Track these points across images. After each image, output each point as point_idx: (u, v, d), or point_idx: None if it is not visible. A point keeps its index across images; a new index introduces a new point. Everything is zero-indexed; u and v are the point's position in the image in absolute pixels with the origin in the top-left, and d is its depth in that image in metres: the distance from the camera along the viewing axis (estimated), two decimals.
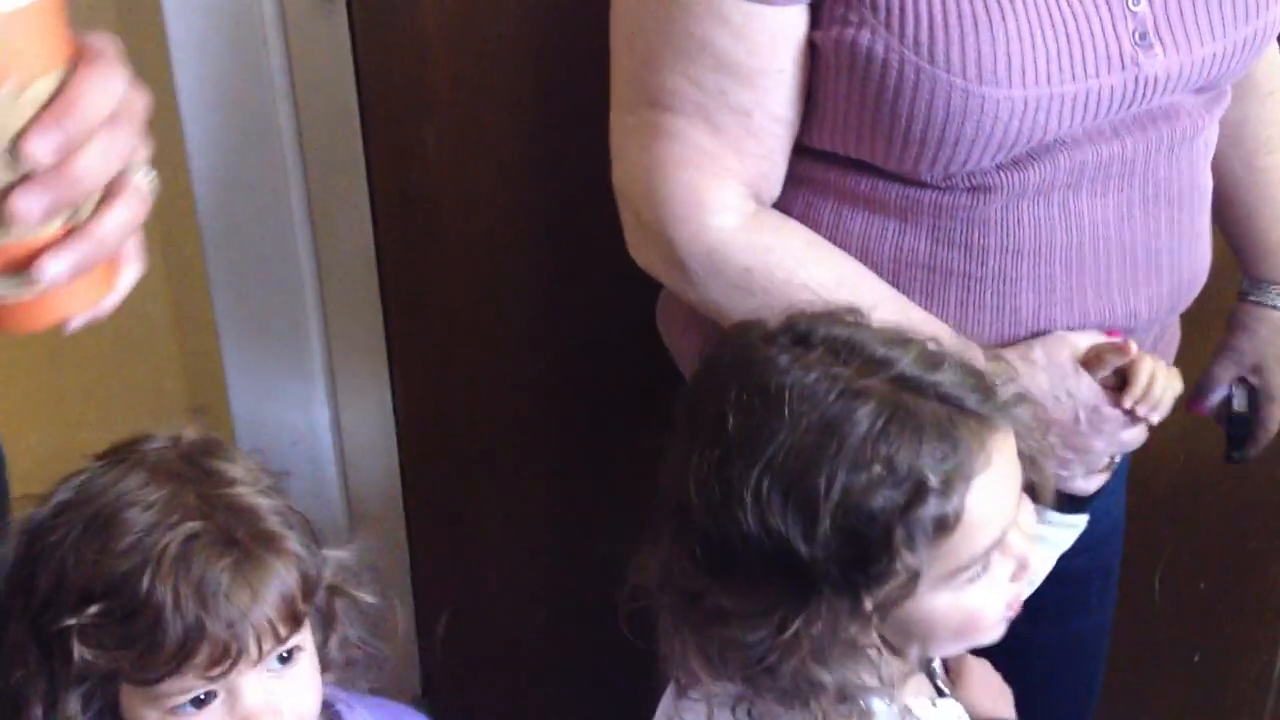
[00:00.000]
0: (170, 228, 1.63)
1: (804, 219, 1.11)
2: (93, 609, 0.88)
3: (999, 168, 1.06)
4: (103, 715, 0.93)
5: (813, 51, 1.05)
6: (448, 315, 1.65)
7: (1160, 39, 1.06)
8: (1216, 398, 1.39)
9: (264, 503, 0.94)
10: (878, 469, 0.86)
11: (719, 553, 0.89)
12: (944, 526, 0.88)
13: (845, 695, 0.90)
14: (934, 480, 0.87)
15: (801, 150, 1.10)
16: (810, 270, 1.07)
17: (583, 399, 1.67)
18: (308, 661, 0.97)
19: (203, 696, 0.92)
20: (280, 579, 0.92)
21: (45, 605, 0.90)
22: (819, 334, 0.91)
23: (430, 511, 1.77)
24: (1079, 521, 1.13)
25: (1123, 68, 1.05)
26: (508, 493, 1.75)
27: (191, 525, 0.90)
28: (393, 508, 1.76)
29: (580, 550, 1.77)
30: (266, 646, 0.92)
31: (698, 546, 0.90)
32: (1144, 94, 1.07)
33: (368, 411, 1.71)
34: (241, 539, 0.91)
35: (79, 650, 0.89)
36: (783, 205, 1.12)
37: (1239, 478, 1.77)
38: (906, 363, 0.89)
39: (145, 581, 0.88)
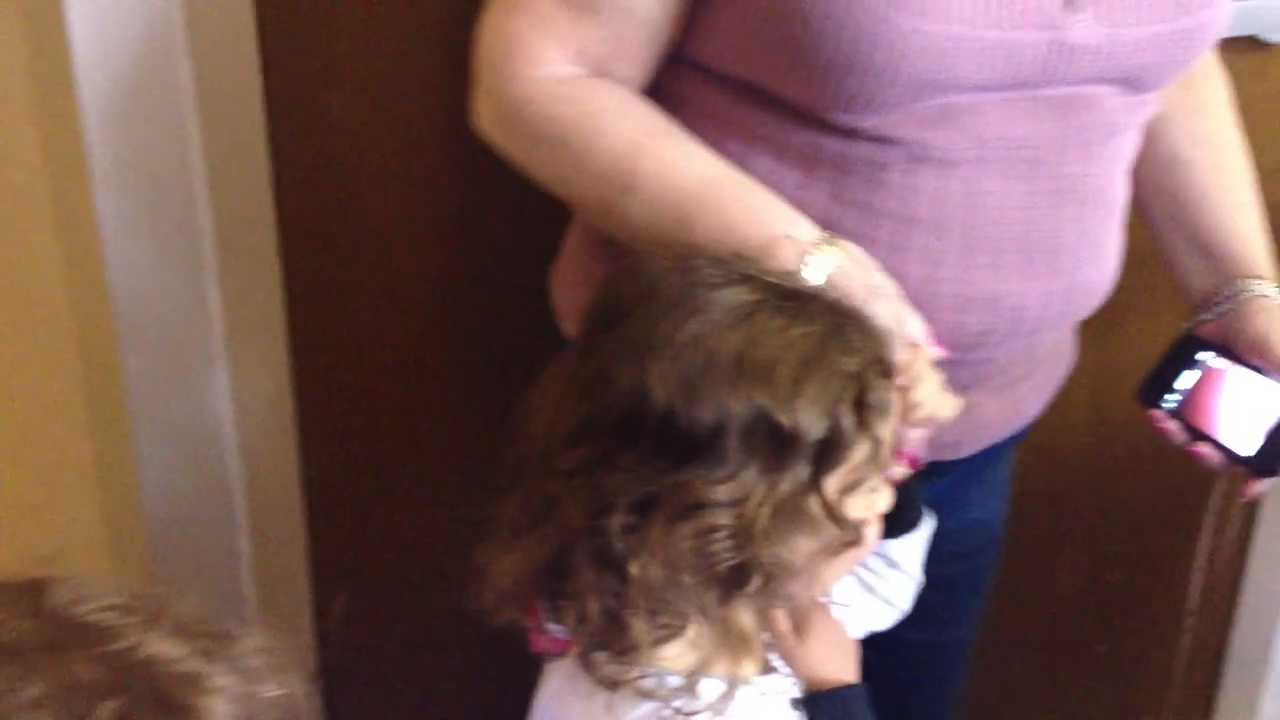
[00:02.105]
0: (62, 189, 1.58)
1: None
2: None
3: (904, 123, 1.03)
4: None
5: None
6: (352, 292, 1.61)
7: (1088, 6, 1.04)
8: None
9: (166, 645, 0.78)
10: (850, 341, 0.92)
11: (688, 439, 0.89)
12: (886, 409, 0.93)
13: (789, 576, 0.92)
14: (888, 360, 0.94)
15: (709, 80, 1.07)
16: (622, 123, 1.04)
17: (491, 379, 1.64)
18: None
19: None
20: (229, 712, 0.77)
21: None
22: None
23: (329, 492, 1.74)
24: (920, 534, 1.13)
25: (1045, 27, 1.02)
26: (410, 473, 1.73)
27: (109, 705, 0.74)
28: (289, 487, 1.73)
29: (483, 534, 1.75)
30: None
31: (659, 440, 0.89)
32: (1062, 64, 1.04)
33: (266, 388, 1.67)
34: (173, 694, 0.76)
35: None
36: None
37: (1143, 473, 1.78)
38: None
39: None
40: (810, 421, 0.89)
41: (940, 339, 1.07)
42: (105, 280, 1.57)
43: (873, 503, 0.97)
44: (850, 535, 0.93)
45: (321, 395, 1.68)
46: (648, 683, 0.93)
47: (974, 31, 1.00)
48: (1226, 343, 1.25)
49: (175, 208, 1.55)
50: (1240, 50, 1.54)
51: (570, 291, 1.23)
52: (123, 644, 0.75)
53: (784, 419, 0.89)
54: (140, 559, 1.70)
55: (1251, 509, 1.80)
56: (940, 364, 1.10)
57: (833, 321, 0.93)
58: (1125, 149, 1.15)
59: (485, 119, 1.10)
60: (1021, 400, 1.24)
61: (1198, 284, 1.28)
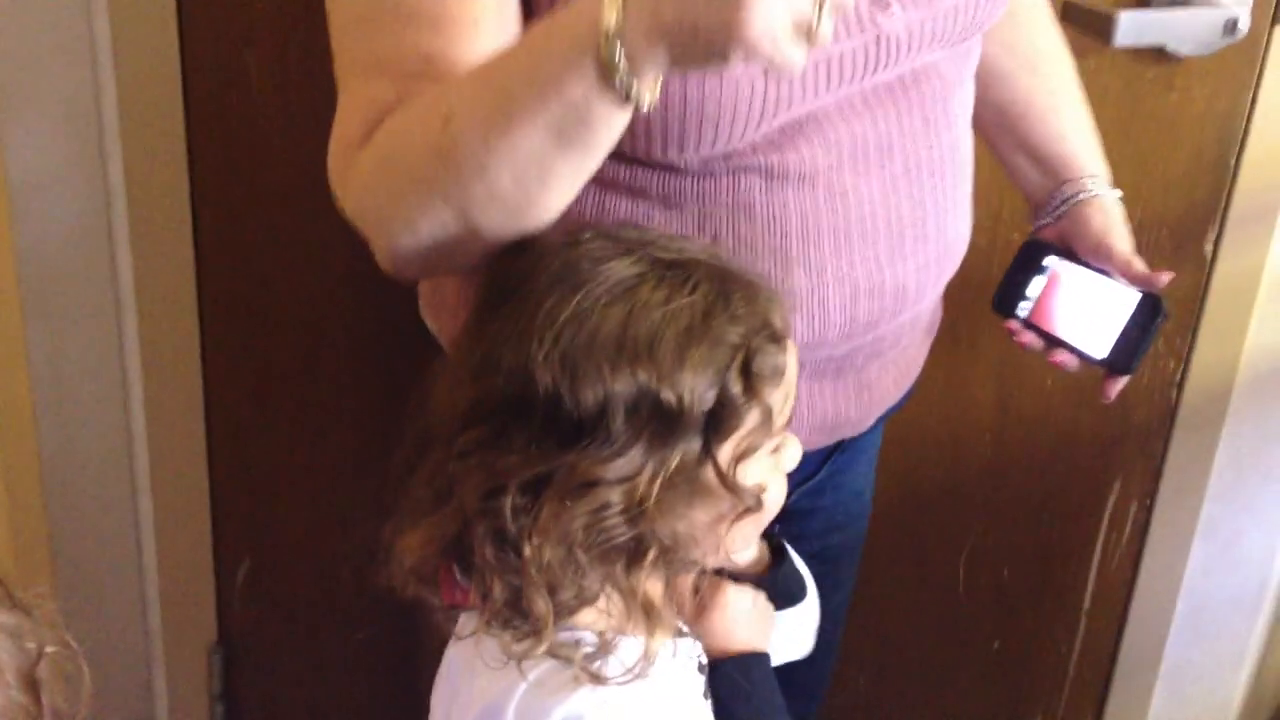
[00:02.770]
0: None
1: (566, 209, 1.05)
2: None
3: (756, 149, 1.04)
4: None
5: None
6: (263, 253, 1.60)
7: None
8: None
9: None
10: (735, 309, 0.92)
11: (574, 421, 0.89)
12: (779, 373, 0.93)
13: (685, 546, 0.92)
14: (776, 325, 0.94)
15: None
16: (413, 108, 0.97)
17: (392, 354, 1.63)
18: None
19: None
20: (14, 664, 0.77)
21: None
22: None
23: (233, 458, 1.72)
24: (809, 603, 1.13)
25: (862, 30, 1.03)
26: (313, 442, 1.72)
27: None
28: (195, 453, 1.71)
29: (385, 503, 1.74)
30: None
31: (546, 423, 0.89)
32: (888, 55, 1.05)
33: (174, 351, 1.65)
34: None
35: None
36: None
37: (1045, 469, 1.81)
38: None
39: None
40: (696, 394, 0.90)
41: (836, 332, 1.09)
42: (11, 239, 1.55)
43: (776, 463, 0.97)
44: (748, 502, 0.94)
45: (228, 360, 1.66)
46: (562, 641, 0.93)
47: None
48: (1068, 246, 1.28)
49: (87, 165, 1.53)
50: (1147, 62, 1.57)
51: (439, 317, 1.24)
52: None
53: (668, 394, 0.89)
54: (39, 522, 1.68)
55: (1148, 509, 1.83)
56: (838, 347, 1.12)
57: (716, 289, 0.93)
58: (965, 103, 1.17)
59: (379, 254, 1.03)
60: (911, 363, 1.26)
61: (1035, 190, 1.32)
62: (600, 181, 1.04)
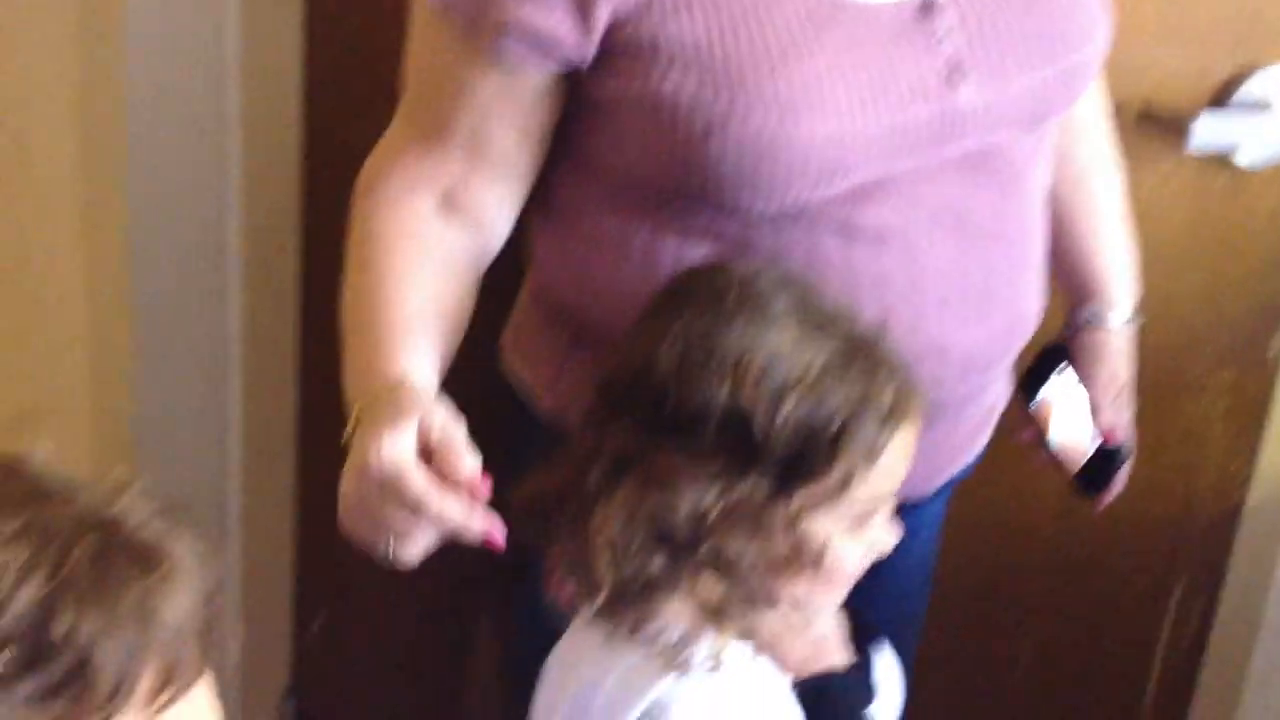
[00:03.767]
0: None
1: (644, 248, 1.13)
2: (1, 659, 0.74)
3: (831, 205, 1.08)
4: None
5: (609, 105, 1.09)
6: None
7: (971, 72, 1.09)
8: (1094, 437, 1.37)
9: (135, 507, 0.82)
10: (849, 375, 0.97)
11: (673, 417, 0.97)
12: (874, 451, 0.98)
13: (743, 573, 0.98)
14: (880, 402, 0.98)
15: (629, 187, 1.13)
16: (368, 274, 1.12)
17: (485, 408, 1.67)
18: (208, 678, 0.84)
19: None
20: (198, 582, 0.81)
21: None
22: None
23: (319, 510, 1.77)
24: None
25: (932, 100, 1.08)
26: None
27: (87, 541, 0.78)
28: (282, 503, 1.77)
29: (462, 563, 1.78)
30: (200, 662, 0.80)
31: (651, 411, 0.97)
32: (959, 128, 1.10)
33: (270, 406, 1.71)
34: (147, 546, 0.79)
35: (3, 713, 0.75)
36: (601, 235, 1.15)
37: (1108, 555, 1.80)
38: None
39: (62, 614, 0.75)
40: (781, 436, 0.95)
41: None
42: (130, 254, 1.62)
43: (858, 536, 1.01)
44: (807, 555, 0.99)
45: (325, 418, 1.71)
46: (652, 632, 1.00)
47: (868, 120, 1.06)
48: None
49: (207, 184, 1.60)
50: (1216, 169, 1.60)
51: (534, 367, 1.28)
52: (92, 500, 0.80)
53: (757, 426, 0.95)
54: None
55: (1211, 606, 1.84)
56: None
57: (845, 352, 0.99)
58: (1038, 181, 1.21)
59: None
60: (976, 431, 1.29)
61: (1067, 299, 1.38)
62: (676, 227, 1.11)
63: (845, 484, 0.98)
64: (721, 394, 0.95)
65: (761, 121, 1.04)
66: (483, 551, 1.68)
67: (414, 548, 1.02)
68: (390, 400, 1.02)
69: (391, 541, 1.02)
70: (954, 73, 1.09)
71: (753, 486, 0.96)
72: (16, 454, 0.83)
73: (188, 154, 1.57)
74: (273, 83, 1.57)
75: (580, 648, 1.06)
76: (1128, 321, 1.38)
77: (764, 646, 1.06)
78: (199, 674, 0.81)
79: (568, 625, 1.12)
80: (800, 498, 0.97)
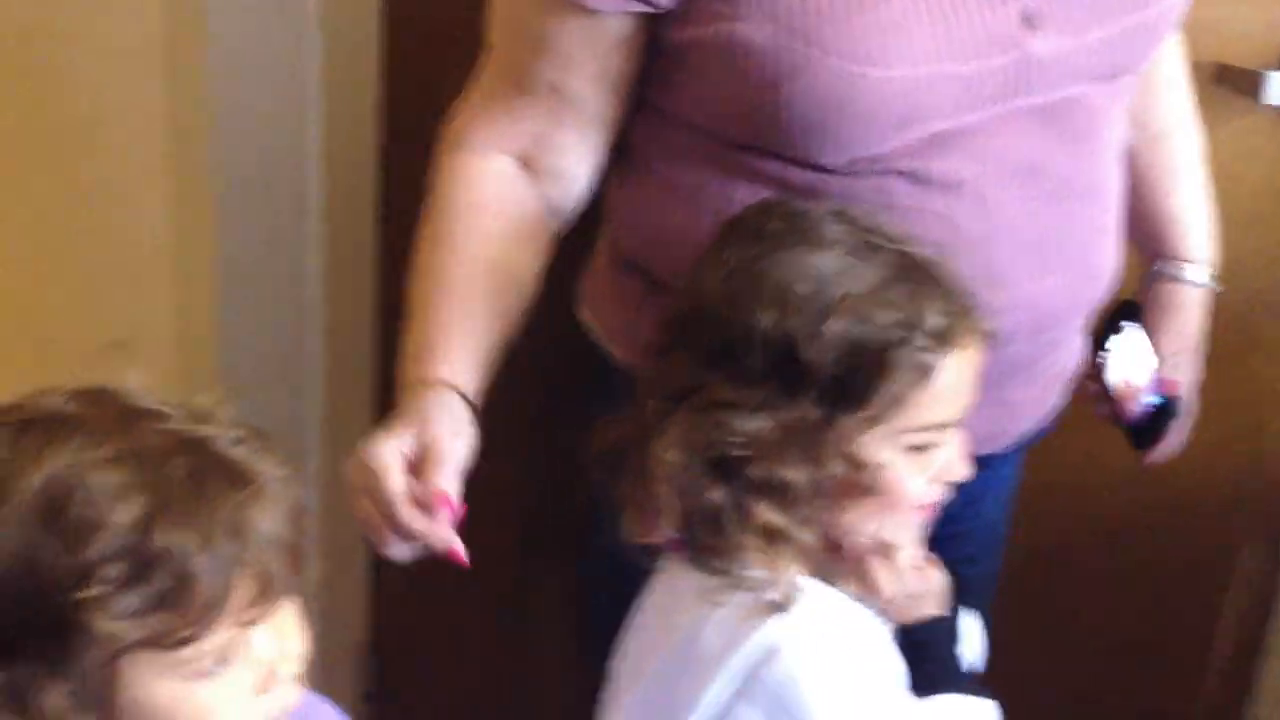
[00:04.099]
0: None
1: (716, 198, 1.14)
2: (101, 575, 0.78)
3: (903, 155, 1.09)
4: (90, 710, 0.81)
5: (686, 51, 1.10)
6: None
7: (1046, 22, 1.09)
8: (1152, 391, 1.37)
9: (220, 430, 0.86)
10: (895, 295, 0.97)
11: (722, 346, 0.98)
12: (924, 372, 0.98)
13: (800, 497, 0.98)
14: (931, 323, 0.98)
15: (690, 130, 1.15)
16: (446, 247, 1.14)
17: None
18: (292, 599, 0.88)
19: (229, 653, 0.83)
20: (286, 499, 0.85)
21: (9, 598, 0.79)
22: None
23: None
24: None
25: (1007, 50, 1.08)
26: (471, 500, 1.78)
27: (180, 462, 0.82)
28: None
29: (540, 518, 1.81)
30: (288, 576, 0.84)
31: (702, 341, 0.99)
32: (1033, 78, 1.10)
33: (351, 396, 1.75)
34: (237, 465, 0.83)
35: (101, 626, 0.78)
36: (675, 184, 1.16)
37: (1176, 528, 1.80)
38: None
39: (159, 530, 0.79)
40: (826, 358, 0.96)
41: None
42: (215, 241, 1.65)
43: (920, 462, 1.02)
44: (864, 477, 0.99)
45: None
46: (751, 576, 1.00)
47: (942, 68, 1.07)
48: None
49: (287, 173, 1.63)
50: None
51: (609, 316, 1.30)
52: (182, 424, 0.84)
53: (803, 349, 0.96)
54: None
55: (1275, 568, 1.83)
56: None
57: (894, 273, 0.99)
58: (1113, 136, 1.21)
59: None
60: (1049, 388, 1.29)
61: (1143, 256, 1.37)
62: (748, 175, 1.12)
63: (896, 406, 0.98)
64: (766, 318, 0.96)
65: (835, 70, 1.05)
66: (560, 503, 1.72)
67: (393, 549, 1.06)
68: (409, 400, 1.08)
69: (372, 537, 1.05)
70: (1029, 22, 1.09)
71: (802, 411, 0.97)
72: (107, 383, 0.86)
73: (271, 89, 1.60)
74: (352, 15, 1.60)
75: (671, 598, 1.07)
76: (1202, 282, 1.37)
77: (861, 592, 1.07)
78: (288, 590, 0.84)
79: (644, 573, 1.13)
80: (851, 421, 0.98)
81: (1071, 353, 1.30)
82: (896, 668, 1.05)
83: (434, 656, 1.91)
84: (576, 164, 1.18)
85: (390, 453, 1.04)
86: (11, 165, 1.88)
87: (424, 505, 1.02)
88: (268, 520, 0.83)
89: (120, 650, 0.80)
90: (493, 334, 1.14)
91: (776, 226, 1.01)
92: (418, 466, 1.04)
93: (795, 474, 0.98)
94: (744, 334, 0.97)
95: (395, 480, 1.03)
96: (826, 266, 0.98)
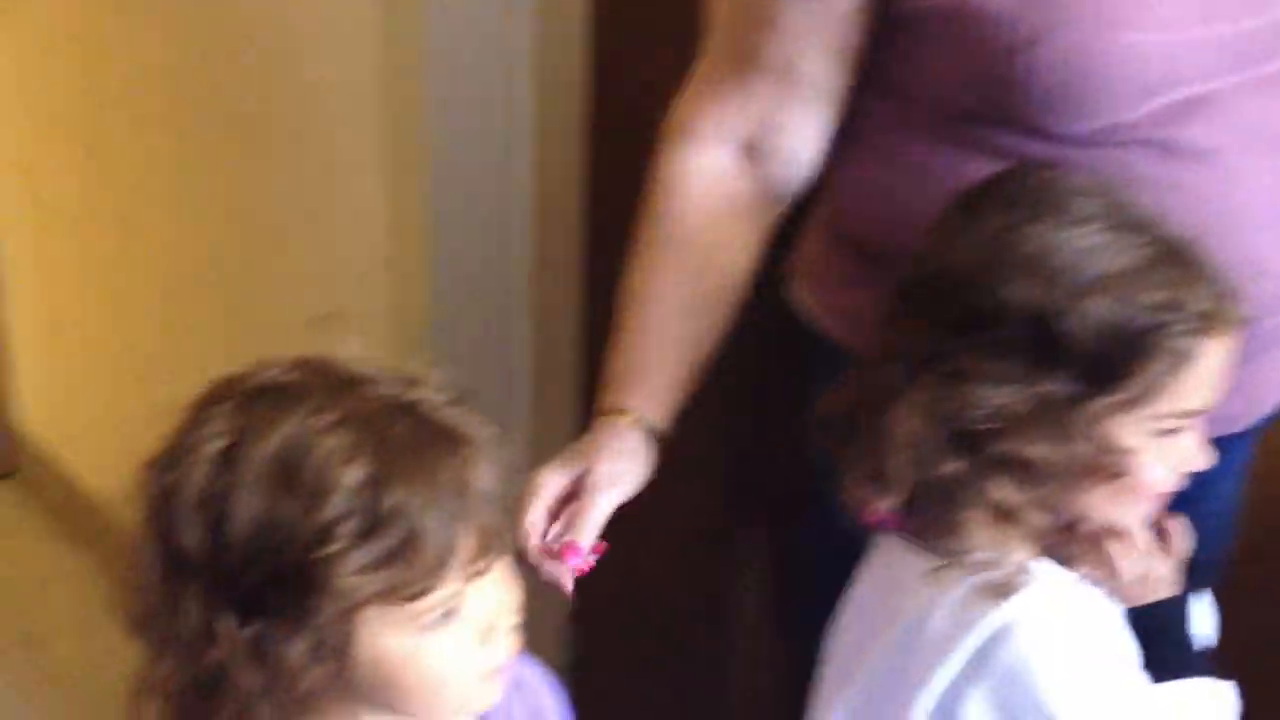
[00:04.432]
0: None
1: (947, 172, 1.11)
2: (338, 533, 0.82)
3: (1149, 123, 1.05)
4: (328, 662, 0.85)
5: (918, 20, 1.08)
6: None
7: None
8: None
9: (432, 393, 0.89)
10: (1160, 277, 0.95)
11: (974, 315, 0.96)
12: (1184, 358, 0.96)
13: (1043, 475, 0.96)
14: (1194, 308, 0.96)
15: (934, 109, 1.12)
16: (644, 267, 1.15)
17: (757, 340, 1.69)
18: (506, 560, 0.92)
19: (457, 605, 0.87)
20: (499, 458, 0.88)
21: (250, 558, 0.83)
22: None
23: None
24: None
25: (1259, 13, 1.04)
26: (673, 476, 1.80)
27: (400, 425, 0.85)
28: (566, 419, 1.81)
29: (742, 495, 1.81)
30: (507, 533, 0.89)
31: (951, 310, 0.97)
32: None
33: (557, 376, 1.79)
34: (452, 426, 0.87)
35: (340, 581, 0.82)
36: (904, 160, 1.14)
37: None
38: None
39: (388, 491, 0.82)
40: (1086, 335, 0.94)
41: None
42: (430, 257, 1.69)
43: (1163, 447, 0.99)
44: (1112, 461, 0.97)
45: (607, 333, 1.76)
46: (980, 559, 0.99)
47: (1197, 31, 1.03)
48: None
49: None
50: None
51: (825, 296, 1.28)
52: (395, 389, 0.88)
53: (1058, 324, 0.94)
54: None
55: None
56: None
57: (1157, 257, 0.96)
58: None
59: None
60: None
61: None
62: (982, 148, 1.10)
63: (1151, 392, 0.96)
64: (1022, 290, 0.95)
65: (1080, 35, 1.02)
66: (768, 479, 1.72)
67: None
68: (593, 428, 1.14)
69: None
70: None
71: (1054, 387, 0.95)
72: (325, 354, 0.91)
73: (484, 70, 1.63)
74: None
75: (893, 579, 1.06)
76: None
77: (1092, 574, 1.05)
78: (508, 544, 0.88)
79: (858, 550, 1.12)
80: (1103, 402, 0.96)
81: None
82: (1130, 651, 1.03)
83: (634, 627, 1.93)
84: (804, 144, 1.17)
85: (546, 483, 1.11)
86: (234, 148, 1.96)
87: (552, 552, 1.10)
88: (485, 477, 0.86)
89: (356, 604, 0.83)
90: (690, 359, 1.17)
91: (1029, 196, 0.99)
92: (574, 498, 1.11)
93: (1040, 451, 0.96)
94: (998, 304, 0.95)
95: (536, 513, 1.10)
96: (1085, 242, 0.96)
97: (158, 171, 2.15)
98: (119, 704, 0.89)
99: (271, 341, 0.96)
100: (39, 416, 2.66)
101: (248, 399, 0.87)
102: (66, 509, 2.56)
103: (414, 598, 0.84)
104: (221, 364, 0.90)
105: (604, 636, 1.95)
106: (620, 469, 1.12)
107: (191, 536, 0.84)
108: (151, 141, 2.13)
